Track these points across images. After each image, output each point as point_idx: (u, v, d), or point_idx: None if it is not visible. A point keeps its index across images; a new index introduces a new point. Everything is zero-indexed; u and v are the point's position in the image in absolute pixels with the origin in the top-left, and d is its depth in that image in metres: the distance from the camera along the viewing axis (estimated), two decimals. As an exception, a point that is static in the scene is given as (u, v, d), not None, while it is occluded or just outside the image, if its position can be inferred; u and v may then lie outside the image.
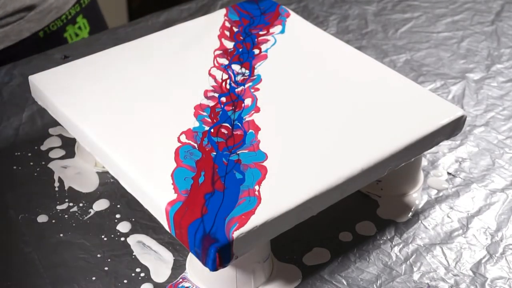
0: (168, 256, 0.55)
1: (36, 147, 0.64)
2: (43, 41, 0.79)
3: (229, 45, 0.64)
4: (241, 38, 0.64)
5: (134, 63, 0.61)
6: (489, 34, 0.83)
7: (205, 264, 0.46)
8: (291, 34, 0.65)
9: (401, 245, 0.57)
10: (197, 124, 0.54)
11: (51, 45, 0.80)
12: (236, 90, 0.58)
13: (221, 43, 0.64)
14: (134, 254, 0.55)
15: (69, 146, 0.65)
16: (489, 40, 0.82)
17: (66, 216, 0.58)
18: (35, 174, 0.62)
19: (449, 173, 0.64)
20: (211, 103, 0.56)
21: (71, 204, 0.59)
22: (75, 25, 0.82)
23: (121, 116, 0.55)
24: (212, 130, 0.54)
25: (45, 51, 0.79)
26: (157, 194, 0.48)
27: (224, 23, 0.67)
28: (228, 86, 0.58)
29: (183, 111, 0.55)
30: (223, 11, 0.68)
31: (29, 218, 0.58)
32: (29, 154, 0.64)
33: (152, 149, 0.52)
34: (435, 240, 0.57)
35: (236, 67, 0.61)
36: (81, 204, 0.59)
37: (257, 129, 0.54)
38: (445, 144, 0.66)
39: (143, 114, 0.55)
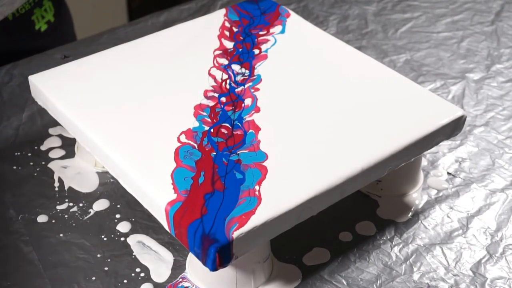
0: (168, 256, 0.55)
1: (36, 147, 0.64)
2: (12, 23, 0.81)
3: (229, 45, 0.64)
4: (241, 38, 0.64)
5: (134, 63, 0.61)
6: (489, 34, 0.83)
7: (205, 264, 0.46)
8: (291, 34, 0.65)
9: (401, 245, 0.57)
10: (197, 124, 0.54)
11: (19, 27, 0.81)
12: (236, 90, 0.58)
13: (221, 43, 0.64)
14: (134, 254, 0.55)
15: (69, 146, 0.65)
16: (489, 40, 0.82)
17: (66, 216, 0.58)
18: (35, 174, 0.62)
19: (449, 173, 0.64)
20: (211, 103, 0.56)
21: (71, 204, 0.59)
22: (41, 8, 0.83)
23: (121, 116, 0.55)
24: (212, 130, 0.54)
25: (14, 33, 0.80)
26: (157, 194, 0.48)
27: (224, 23, 0.67)
28: (228, 86, 0.58)
29: (183, 111, 0.55)
30: (222, 11, 0.68)
31: (29, 218, 0.58)
32: (29, 154, 0.64)
33: (152, 149, 0.52)
34: (435, 240, 0.57)
35: (236, 67, 0.61)
36: (81, 204, 0.59)
37: (257, 129, 0.54)
38: (445, 144, 0.66)
39: (143, 114, 0.55)
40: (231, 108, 0.56)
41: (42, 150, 0.64)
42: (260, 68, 0.61)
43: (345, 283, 0.54)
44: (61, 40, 0.83)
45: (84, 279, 0.53)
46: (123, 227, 0.57)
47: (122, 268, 0.54)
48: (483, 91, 0.74)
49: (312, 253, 0.56)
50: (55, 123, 0.66)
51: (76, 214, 0.58)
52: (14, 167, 0.62)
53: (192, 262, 0.53)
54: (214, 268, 0.46)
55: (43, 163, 0.63)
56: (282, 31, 0.66)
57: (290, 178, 0.50)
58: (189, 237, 0.46)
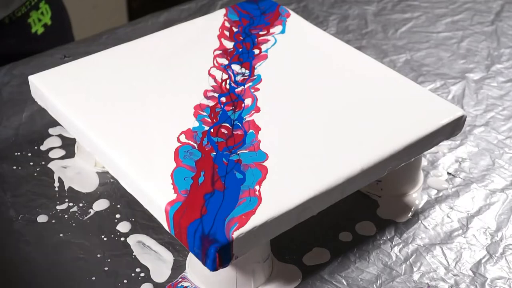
0: (168, 256, 0.55)
1: (36, 147, 0.64)
2: (8, 27, 0.81)
3: (229, 45, 0.64)
4: (241, 38, 0.64)
5: (134, 63, 0.61)
6: (489, 34, 0.83)
7: (205, 264, 0.46)
8: (291, 34, 0.65)
9: (401, 245, 0.57)
10: (196, 124, 0.54)
11: (16, 31, 0.82)
12: (236, 90, 0.58)
13: (221, 43, 0.64)
14: (134, 254, 0.55)
15: (69, 146, 0.65)
16: (489, 40, 0.82)
17: (66, 216, 0.58)
18: (35, 174, 0.62)
19: (449, 173, 0.64)
20: (211, 103, 0.56)
21: (71, 204, 0.59)
22: (38, 11, 0.83)
23: (120, 116, 0.55)
24: (212, 130, 0.54)
25: (10, 37, 0.80)
26: (156, 194, 0.48)
27: (223, 23, 0.67)
28: (228, 86, 0.58)
29: (182, 111, 0.55)
30: (222, 11, 0.68)
31: (29, 218, 0.58)
32: (29, 154, 0.64)
33: (152, 149, 0.52)
34: (435, 240, 0.57)
35: (236, 67, 0.61)
36: (81, 204, 0.59)
37: (258, 129, 0.54)
38: (445, 144, 0.66)
39: (143, 114, 0.55)
40: (231, 108, 0.56)
41: (42, 150, 0.64)
42: (260, 68, 0.61)
43: (345, 283, 0.54)
44: (58, 43, 0.83)
45: (84, 279, 0.53)
46: (123, 227, 0.57)
47: (122, 268, 0.54)
48: (483, 91, 0.74)
49: (312, 253, 0.56)
50: (55, 123, 0.66)
51: (76, 214, 0.58)
52: (14, 167, 0.62)
53: (192, 262, 0.53)
54: (214, 268, 0.46)
55: (43, 163, 0.63)
56: (282, 31, 0.66)
57: (290, 178, 0.50)
58: (189, 237, 0.46)
